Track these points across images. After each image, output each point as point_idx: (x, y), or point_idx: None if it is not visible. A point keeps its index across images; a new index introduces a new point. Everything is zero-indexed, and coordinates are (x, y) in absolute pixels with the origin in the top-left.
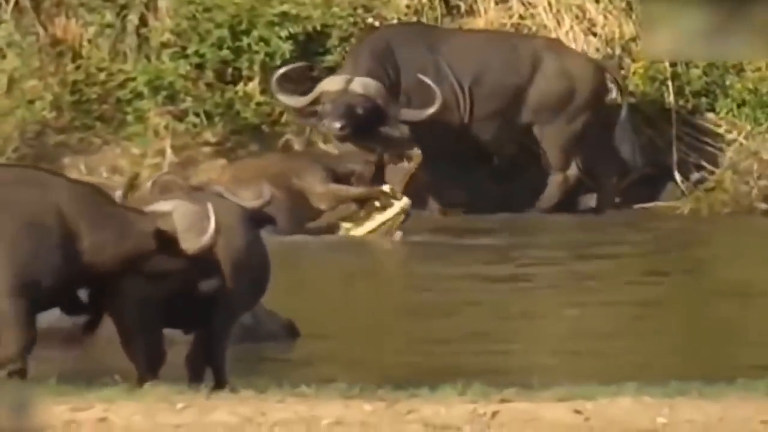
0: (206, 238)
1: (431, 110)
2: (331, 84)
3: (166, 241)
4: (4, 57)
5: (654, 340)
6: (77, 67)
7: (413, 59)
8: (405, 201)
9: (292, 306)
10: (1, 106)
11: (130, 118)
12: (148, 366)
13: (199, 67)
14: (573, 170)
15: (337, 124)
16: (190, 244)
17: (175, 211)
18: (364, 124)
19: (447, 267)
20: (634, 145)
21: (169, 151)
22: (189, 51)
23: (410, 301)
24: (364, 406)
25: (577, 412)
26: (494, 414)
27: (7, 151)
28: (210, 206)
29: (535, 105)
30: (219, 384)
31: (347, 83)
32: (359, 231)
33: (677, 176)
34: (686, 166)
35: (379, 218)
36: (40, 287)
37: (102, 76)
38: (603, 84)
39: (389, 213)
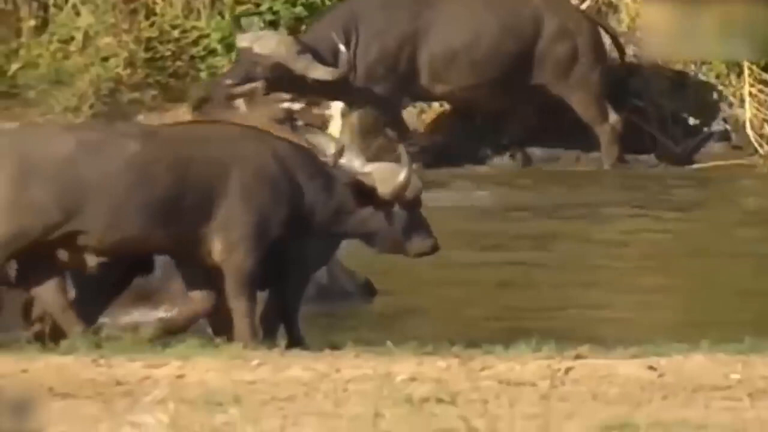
0: (402, 177)
1: (337, 71)
2: (242, 40)
3: (366, 197)
4: (78, 14)
5: (727, 296)
6: (151, 24)
7: (382, 26)
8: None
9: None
10: (76, 63)
11: (203, 75)
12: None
13: (273, 24)
14: (614, 117)
15: (227, 81)
16: (386, 188)
17: (373, 171)
18: (266, 82)
19: (509, 224)
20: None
21: (243, 107)
22: (263, 8)
23: (481, 259)
24: (437, 363)
25: (651, 368)
26: (568, 370)
27: (83, 108)
28: (402, 149)
29: (544, 68)
30: (293, 341)
31: (253, 41)
32: None
33: (750, 133)
34: (759, 123)
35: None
36: (269, 239)
37: (175, 33)
38: (600, 38)
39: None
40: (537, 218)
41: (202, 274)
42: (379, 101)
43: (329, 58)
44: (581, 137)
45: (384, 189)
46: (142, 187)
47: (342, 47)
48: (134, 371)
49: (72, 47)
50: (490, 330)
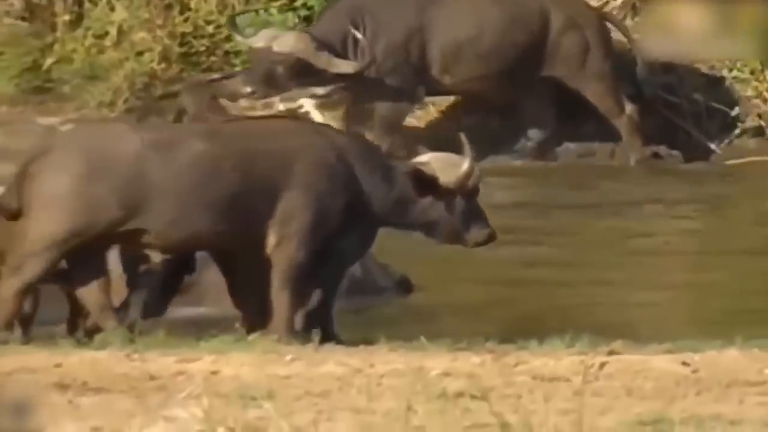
0: (465, 167)
1: (359, 64)
2: (256, 40)
3: (426, 186)
4: (112, 9)
5: (760, 292)
6: (185, 20)
7: (388, 19)
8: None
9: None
10: (111, 58)
11: (238, 70)
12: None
13: (307, 19)
14: (630, 107)
15: (247, 89)
16: (449, 177)
17: (431, 161)
18: (287, 81)
19: (541, 220)
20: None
21: (279, 104)
22: (297, 3)
23: (511, 255)
24: (472, 358)
25: (685, 364)
26: (602, 365)
27: (117, 103)
28: (463, 137)
29: (556, 61)
30: (326, 335)
31: (270, 41)
32: None
33: None
34: None
35: None
36: (324, 234)
37: (210, 28)
38: (608, 31)
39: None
40: (568, 214)
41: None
42: (395, 94)
43: (340, 51)
44: (615, 131)
45: (446, 178)
46: (209, 185)
47: (362, 38)
48: (168, 366)
49: (106, 42)
50: (523, 325)
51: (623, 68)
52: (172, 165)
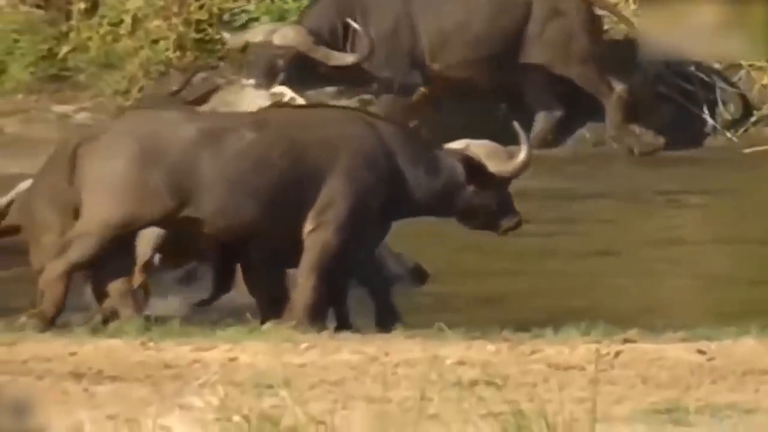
0: (523, 155)
1: (358, 55)
2: (254, 35)
3: (473, 174)
4: None
5: None
6: (200, 7)
7: (376, 10)
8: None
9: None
10: (126, 46)
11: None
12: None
13: None
14: (621, 86)
15: (251, 81)
16: (502, 166)
17: (471, 147)
18: (289, 74)
19: (553, 210)
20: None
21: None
22: None
23: (526, 245)
24: (487, 347)
25: (701, 352)
26: (617, 354)
27: (132, 91)
28: (517, 125)
29: (541, 48)
30: (341, 324)
31: (268, 35)
32: None
33: None
34: None
35: None
36: (360, 222)
37: (226, 16)
38: (594, 14)
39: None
40: (582, 203)
41: None
42: (393, 84)
43: (330, 43)
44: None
45: (498, 166)
46: (258, 174)
47: (360, 28)
48: (183, 354)
49: (122, 30)
50: (539, 314)
51: (624, 55)
52: (223, 154)
